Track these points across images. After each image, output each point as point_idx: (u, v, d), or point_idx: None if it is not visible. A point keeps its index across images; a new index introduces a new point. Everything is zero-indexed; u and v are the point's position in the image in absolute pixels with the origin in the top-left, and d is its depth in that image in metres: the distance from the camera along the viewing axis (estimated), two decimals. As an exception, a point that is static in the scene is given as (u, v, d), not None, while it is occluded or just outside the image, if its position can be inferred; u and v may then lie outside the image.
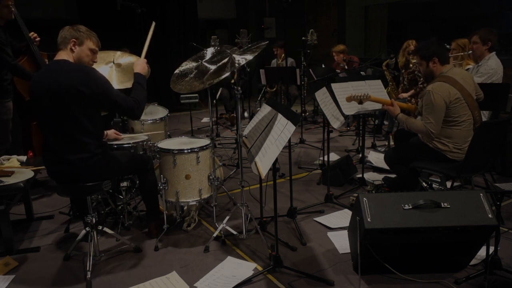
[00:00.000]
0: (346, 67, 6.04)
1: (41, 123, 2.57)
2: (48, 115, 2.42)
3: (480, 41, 3.88)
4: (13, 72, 3.60)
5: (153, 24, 3.05)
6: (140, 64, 2.80)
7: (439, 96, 2.87)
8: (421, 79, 4.89)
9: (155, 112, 4.17)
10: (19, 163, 3.16)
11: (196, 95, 5.64)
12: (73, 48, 2.48)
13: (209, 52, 3.09)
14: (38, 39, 3.77)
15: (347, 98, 3.29)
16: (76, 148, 2.44)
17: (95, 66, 3.29)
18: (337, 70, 6.23)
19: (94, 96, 2.39)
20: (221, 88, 6.88)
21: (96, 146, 2.50)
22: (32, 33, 3.75)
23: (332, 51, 6.39)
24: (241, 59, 2.73)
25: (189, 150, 2.96)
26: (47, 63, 3.78)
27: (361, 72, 5.71)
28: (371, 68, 6.09)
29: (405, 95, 5.04)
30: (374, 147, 5.12)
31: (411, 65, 5.01)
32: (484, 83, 3.71)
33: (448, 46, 4.37)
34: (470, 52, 4.05)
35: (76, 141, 2.43)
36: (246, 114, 7.02)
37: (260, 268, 2.60)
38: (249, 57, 2.70)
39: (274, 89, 7.04)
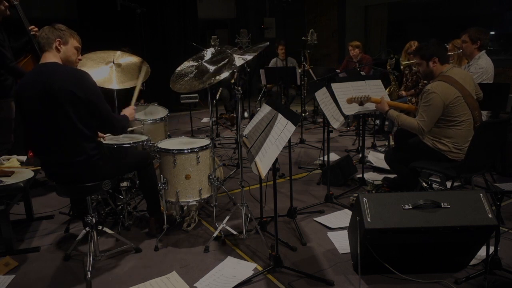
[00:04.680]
0: (358, 64, 6.00)
1: (31, 127, 2.44)
2: (43, 118, 2.36)
3: (470, 40, 3.88)
4: (11, 75, 3.57)
5: (144, 68, 3.40)
6: (128, 110, 2.89)
7: (438, 96, 2.88)
8: (422, 80, 4.91)
9: (155, 112, 4.17)
10: (19, 163, 3.16)
11: (196, 95, 5.64)
12: (58, 47, 2.42)
13: (209, 52, 3.10)
14: (36, 29, 3.64)
15: (347, 100, 3.30)
16: (74, 151, 2.41)
17: (95, 65, 3.33)
18: (337, 70, 6.23)
19: (87, 100, 2.37)
20: (221, 88, 6.88)
21: (93, 147, 2.47)
22: (33, 26, 3.66)
23: (348, 45, 6.40)
24: (240, 59, 2.73)
25: (189, 150, 2.96)
26: None
27: (361, 72, 5.71)
28: (372, 69, 6.08)
29: (404, 93, 5.05)
30: (374, 147, 5.12)
31: (413, 67, 5.01)
32: (484, 83, 3.71)
33: (447, 46, 4.37)
34: (460, 51, 4.06)
35: (73, 144, 2.40)
36: (246, 114, 7.02)
37: (260, 268, 2.60)
38: (249, 57, 2.70)
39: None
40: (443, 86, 2.92)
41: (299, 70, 6.71)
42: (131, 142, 3.20)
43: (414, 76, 5.03)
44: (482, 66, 3.84)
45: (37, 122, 2.40)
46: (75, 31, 2.55)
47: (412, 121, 3.01)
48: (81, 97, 2.34)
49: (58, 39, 2.42)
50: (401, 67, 5.17)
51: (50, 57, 2.42)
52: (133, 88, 3.28)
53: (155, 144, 3.16)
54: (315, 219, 3.26)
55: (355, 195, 3.53)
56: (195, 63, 3.05)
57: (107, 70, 3.40)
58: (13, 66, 3.50)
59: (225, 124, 6.99)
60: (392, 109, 3.22)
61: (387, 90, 4.87)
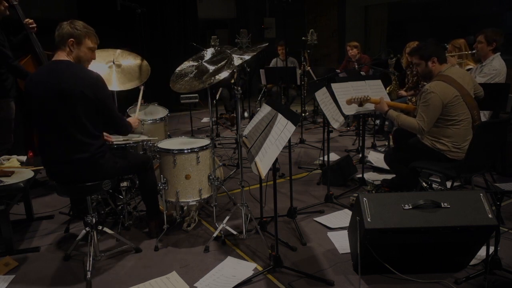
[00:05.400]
0: (356, 64, 5.99)
1: (39, 123, 2.48)
2: (50, 115, 2.40)
3: (485, 41, 3.88)
4: (13, 73, 3.57)
5: (142, 88, 3.61)
6: (132, 119, 2.96)
7: (437, 95, 2.88)
8: (421, 81, 4.91)
9: (155, 112, 4.17)
10: (19, 163, 3.16)
11: (196, 95, 5.64)
12: (71, 47, 2.46)
13: (209, 52, 3.10)
14: (34, 25, 3.66)
15: (347, 101, 3.30)
16: (78, 148, 2.43)
17: (95, 64, 3.33)
18: (337, 70, 6.22)
19: (97, 99, 2.42)
20: (221, 88, 6.87)
21: (97, 146, 2.50)
22: (27, 19, 3.64)
23: (346, 45, 6.44)
24: (239, 59, 2.73)
25: (189, 150, 2.96)
26: None
27: (361, 72, 5.71)
28: (372, 69, 6.08)
29: (405, 93, 5.05)
30: (374, 147, 5.12)
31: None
32: (484, 83, 3.71)
33: (446, 46, 4.38)
34: (474, 51, 4.05)
35: (78, 142, 2.42)
36: (246, 114, 7.02)
37: (260, 268, 2.60)
38: (247, 57, 2.70)
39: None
40: (441, 85, 2.92)
41: (299, 71, 6.72)
42: (131, 142, 3.20)
43: (415, 78, 5.03)
44: (496, 68, 3.86)
45: (43, 119, 2.43)
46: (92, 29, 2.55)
47: (411, 121, 3.01)
48: (91, 97, 2.39)
49: (72, 39, 2.44)
50: (404, 66, 5.16)
51: (63, 55, 2.47)
52: (133, 89, 3.28)
53: (155, 144, 3.16)
54: (315, 219, 3.26)
55: (355, 195, 3.53)
56: (195, 63, 3.05)
57: (107, 70, 3.39)
58: (15, 64, 3.49)
59: (225, 124, 6.99)
60: (391, 109, 3.22)
61: (387, 89, 4.87)
